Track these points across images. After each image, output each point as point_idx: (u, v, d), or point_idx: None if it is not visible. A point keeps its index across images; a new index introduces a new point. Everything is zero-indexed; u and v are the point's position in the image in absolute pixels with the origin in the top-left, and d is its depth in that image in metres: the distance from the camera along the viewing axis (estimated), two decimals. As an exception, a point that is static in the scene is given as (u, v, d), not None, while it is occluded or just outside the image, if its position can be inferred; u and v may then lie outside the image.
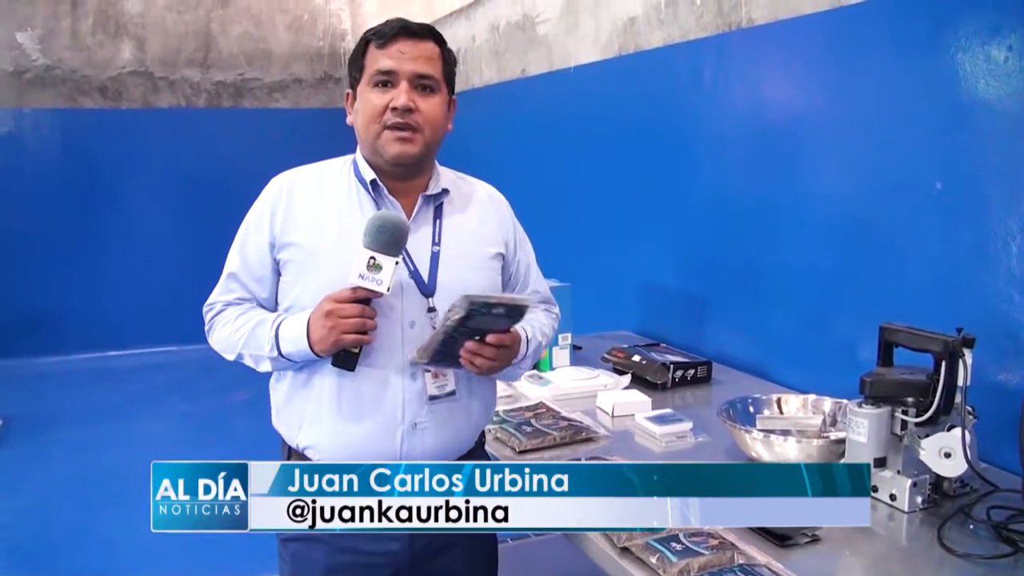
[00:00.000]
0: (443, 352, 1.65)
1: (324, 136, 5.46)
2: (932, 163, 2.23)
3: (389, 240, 1.58)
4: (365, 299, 1.61)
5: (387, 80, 1.68)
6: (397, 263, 1.59)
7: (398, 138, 1.68)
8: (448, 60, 1.77)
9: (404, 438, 1.71)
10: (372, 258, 1.57)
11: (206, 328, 1.82)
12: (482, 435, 1.93)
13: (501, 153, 5.03)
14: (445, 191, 1.80)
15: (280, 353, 1.68)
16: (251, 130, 7.16)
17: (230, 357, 1.79)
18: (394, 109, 1.67)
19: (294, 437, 1.77)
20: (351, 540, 1.70)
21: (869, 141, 2.44)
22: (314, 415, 1.73)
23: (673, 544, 1.56)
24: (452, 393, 1.76)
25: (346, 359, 1.65)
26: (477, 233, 1.83)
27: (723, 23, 3.04)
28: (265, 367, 1.75)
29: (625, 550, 1.60)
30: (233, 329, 1.75)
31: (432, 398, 1.73)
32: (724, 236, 3.12)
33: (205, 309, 1.83)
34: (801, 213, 2.71)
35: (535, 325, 1.87)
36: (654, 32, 3.47)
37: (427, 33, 1.73)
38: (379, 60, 1.69)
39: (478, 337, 1.64)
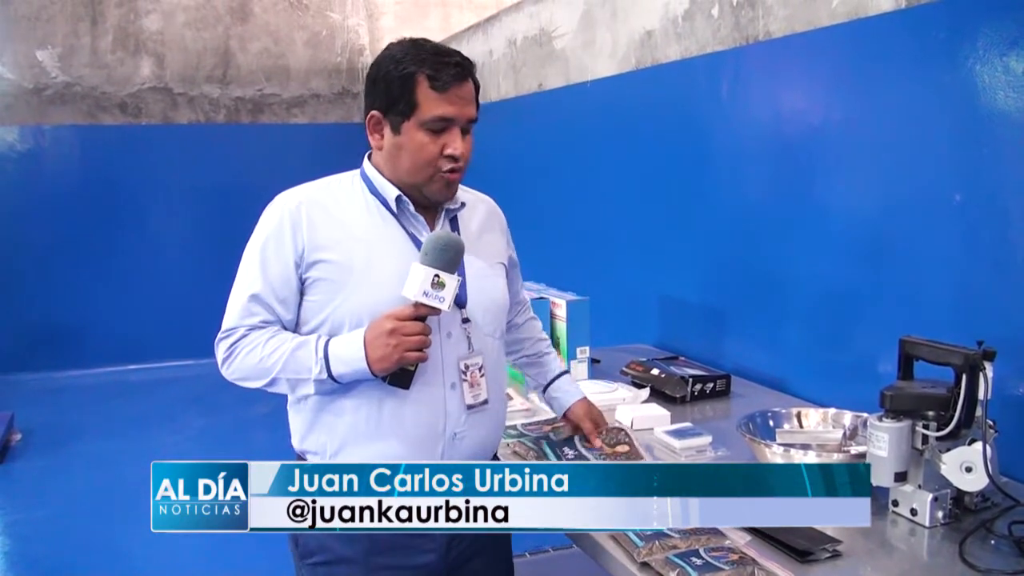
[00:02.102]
0: None
1: (342, 151, 5.47)
2: (951, 175, 2.23)
3: (452, 258, 1.61)
4: (422, 316, 1.62)
5: (444, 127, 1.66)
6: (459, 280, 1.62)
7: (448, 182, 1.70)
8: (477, 90, 1.74)
9: (445, 449, 1.72)
10: (437, 276, 1.59)
11: (223, 356, 1.72)
12: None
13: (519, 167, 5.04)
14: (463, 204, 1.82)
15: (330, 374, 1.64)
16: (270, 145, 7.19)
17: (255, 384, 1.71)
18: (450, 157, 1.66)
19: (329, 459, 1.72)
20: (385, 557, 1.69)
21: (888, 153, 2.44)
22: (354, 435, 1.70)
23: (693, 559, 1.55)
24: (485, 402, 1.78)
25: (402, 377, 1.65)
26: (488, 243, 1.88)
27: (740, 36, 3.05)
28: (305, 390, 1.68)
29: (645, 565, 1.59)
30: (264, 354, 1.67)
31: (469, 407, 1.74)
32: (743, 249, 3.12)
33: (220, 337, 1.72)
34: (820, 225, 2.71)
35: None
36: (671, 45, 3.48)
37: (470, 71, 1.70)
38: (439, 106, 1.64)
39: None
